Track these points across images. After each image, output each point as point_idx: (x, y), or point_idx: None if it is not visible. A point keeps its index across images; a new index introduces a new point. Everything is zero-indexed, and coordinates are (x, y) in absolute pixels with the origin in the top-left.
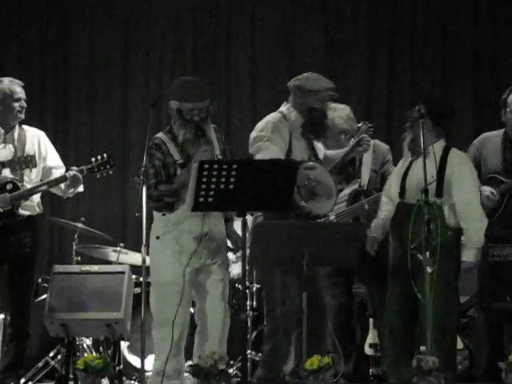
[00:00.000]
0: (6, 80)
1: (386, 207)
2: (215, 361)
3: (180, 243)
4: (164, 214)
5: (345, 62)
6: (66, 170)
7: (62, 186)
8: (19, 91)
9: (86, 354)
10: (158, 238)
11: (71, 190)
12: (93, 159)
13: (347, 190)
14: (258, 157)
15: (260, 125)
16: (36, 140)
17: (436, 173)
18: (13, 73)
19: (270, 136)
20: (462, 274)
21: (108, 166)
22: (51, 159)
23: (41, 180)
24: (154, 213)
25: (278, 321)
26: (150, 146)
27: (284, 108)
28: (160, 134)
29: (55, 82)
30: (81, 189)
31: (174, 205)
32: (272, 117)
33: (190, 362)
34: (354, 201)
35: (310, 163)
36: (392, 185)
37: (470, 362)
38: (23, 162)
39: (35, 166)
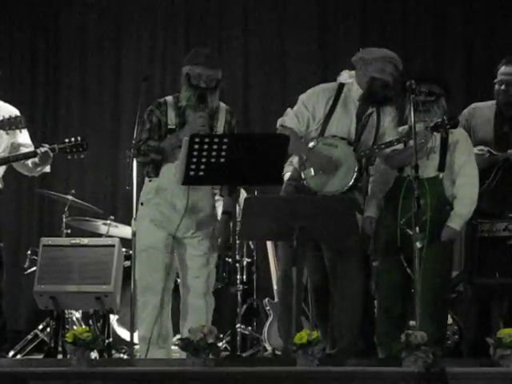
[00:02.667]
0: None
1: (379, 180)
2: (204, 334)
3: (159, 211)
4: (150, 180)
5: (336, 38)
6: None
7: (29, 163)
8: None
9: (75, 327)
10: (142, 204)
11: (38, 169)
12: (66, 140)
13: None
14: (279, 120)
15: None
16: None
17: (440, 147)
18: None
19: (301, 100)
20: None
21: (80, 149)
22: (22, 137)
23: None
24: (145, 180)
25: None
26: (153, 103)
27: (350, 80)
28: (168, 97)
29: (46, 56)
30: (47, 169)
31: (159, 164)
32: (323, 84)
33: (178, 336)
34: None
35: (329, 139)
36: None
37: (459, 336)
38: (12, 122)
39: (24, 127)
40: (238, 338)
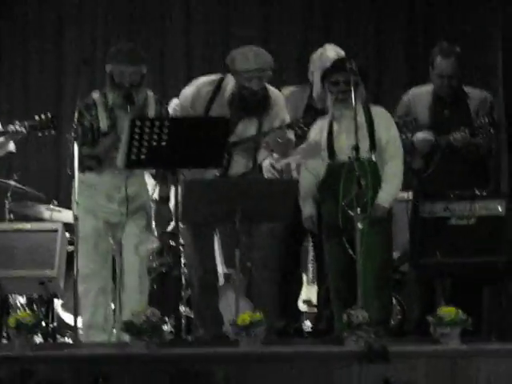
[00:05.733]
0: None
1: (308, 178)
2: (147, 317)
3: (95, 201)
4: (84, 174)
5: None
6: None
7: None
8: None
9: (19, 312)
10: (79, 192)
11: (2, 150)
12: (36, 117)
13: None
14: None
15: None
16: None
17: (367, 128)
18: None
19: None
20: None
21: (51, 125)
22: None
23: None
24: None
25: (196, 282)
26: (82, 105)
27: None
28: (95, 94)
29: None
30: (12, 149)
31: (94, 168)
32: (204, 78)
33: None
34: None
35: None
36: (308, 154)
37: (402, 317)
38: None
39: None
40: (184, 321)
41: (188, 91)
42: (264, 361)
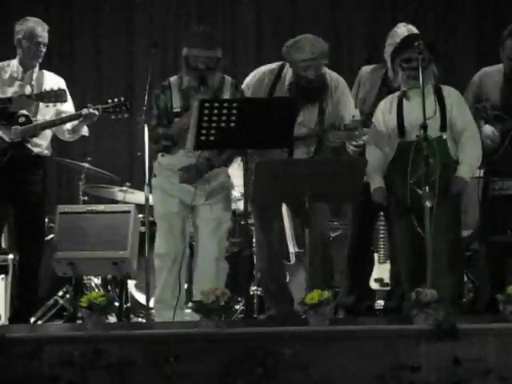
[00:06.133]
0: (32, 21)
1: (375, 154)
2: (217, 296)
3: (171, 182)
4: (163, 155)
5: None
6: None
7: (69, 126)
8: (40, 35)
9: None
10: (155, 175)
11: (77, 131)
12: (109, 100)
13: None
14: None
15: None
16: (55, 86)
17: (438, 108)
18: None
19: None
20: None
21: (124, 109)
22: (66, 106)
23: None
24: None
25: (263, 263)
26: (159, 87)
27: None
28: (172, 78)
29: (61, 24)
30: (85, 133)
31: (171, 148)
32: (264, 67)
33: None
34: None
35: None
36: (376, 133)
37: (474, 295)
38: (52, 95)
39: (66, 100)
40: (256, 300)
41: (250, 81)
42: (331, 339)
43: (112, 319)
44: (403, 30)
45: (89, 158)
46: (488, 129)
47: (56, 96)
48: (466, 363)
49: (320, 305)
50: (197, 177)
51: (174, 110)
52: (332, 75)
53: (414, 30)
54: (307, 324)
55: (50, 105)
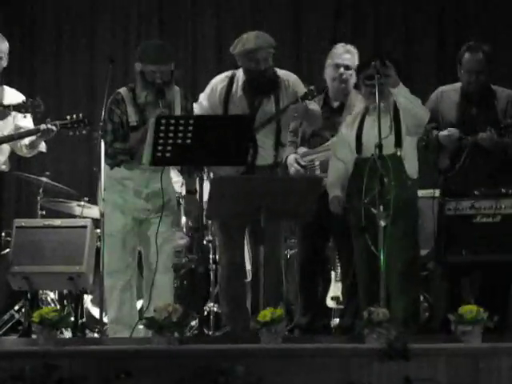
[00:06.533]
0: None
1: (337, 166)
2: (169, 313)
3: (123, 198)
4: (111, 169)
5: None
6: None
7: (27, 141)
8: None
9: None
10: (105, 190)
11: (35, 147)
12: (68, 116)
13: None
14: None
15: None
16: (15, 101)
17: (392, 124)
18: None
19: (204, 95)
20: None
21: (82, 125)
22: (25, 121)
23: None
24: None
25: (223, 280)
26: (111, 101)
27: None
28: (122, 90)
29: (22, 38)
30: (43, 149)
31: (128, 163)
32: (217, 77)
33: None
34: None
35: None
36: (339, 145)
37: (430, 314)
38: (30, 106)
39: (42, 111)
40: (212, 316)
41: (205, 93)
42: (284, 357)
43: (67, 334)
44: (341, 50)
45: (47, 173)
46: (445, 131)
47: (33, 107)
48: (416, 383)
49: (272, 322)
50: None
51: (130, 124)
52: (282, 72)
53: (353, 50)
54: (260, 342)
55: (10, 119)
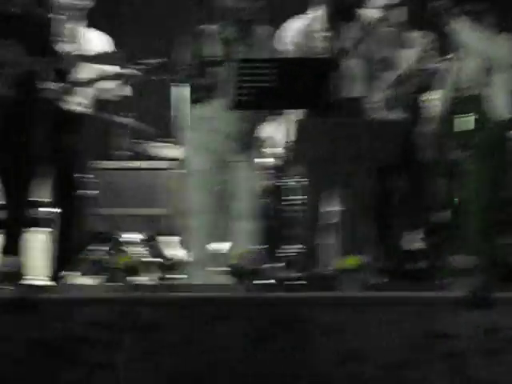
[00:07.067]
0: None
1: None
2: (249, 259)
3: (206, 137)
4: (198, 106)
5: None
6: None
7: (112, 85)
8: None
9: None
10: (189, 128)
11: (118, 93)
12: (151, 61)
13: None
14: None
15: None
16: (101, 45)
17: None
18: None
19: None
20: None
21: (165, 70)
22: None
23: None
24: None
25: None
26: (195, 36)
27: None
28: (209, 26)
29: None
30: (128, 92)
31: (205, 100)
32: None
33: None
34: None
35: None
36: None
37: None
38: (113, 57)
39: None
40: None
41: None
42: (364, 306)
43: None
44: None
45: (132, 114)
46: None
47: (116, 58)
48: (500, 331)
49: (353, 270)
50: None
51: (212, 59)
52: None
53: None
54: (339, 289)
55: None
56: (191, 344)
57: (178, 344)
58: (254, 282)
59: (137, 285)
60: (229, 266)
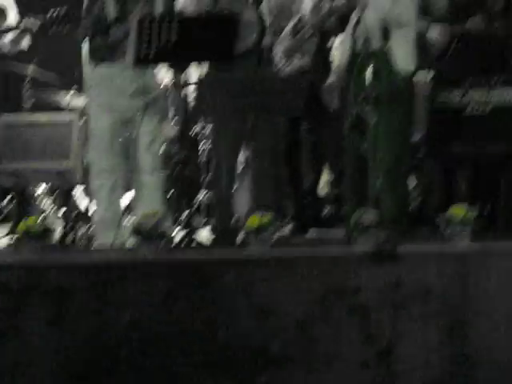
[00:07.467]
0: None
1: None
2: (157, 220)
3: (107, 96)
4: (95, 67)
5: None
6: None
7: (10, 37)
8: None
9: (38, 202)
10: (90, 86)
11: (16, 46)
12: (50, 12)
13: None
14: None
15: None
16: None
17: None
18: None
19: None
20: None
21: (65, 21)
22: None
23: None
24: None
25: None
26: None
27: None
28: None
29: None
30: (25, 45)
31: (107, 59)
32: None
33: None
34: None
35: None
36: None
37: (422, 200)
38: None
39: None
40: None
41: None
42: (272, 264)
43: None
44: None
45: (33, 63)
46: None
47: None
48: (406, 285)
49: (260, 229)
50: None
51: (111, 21)
52: None
53: None
54: (247, 248)
55: None
56: (100, 308)
57: (85, 308)
58: (161, 242)
59: (43, 247)
60: (135, 227)
